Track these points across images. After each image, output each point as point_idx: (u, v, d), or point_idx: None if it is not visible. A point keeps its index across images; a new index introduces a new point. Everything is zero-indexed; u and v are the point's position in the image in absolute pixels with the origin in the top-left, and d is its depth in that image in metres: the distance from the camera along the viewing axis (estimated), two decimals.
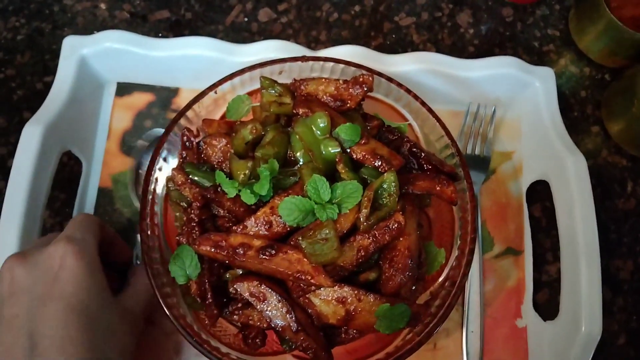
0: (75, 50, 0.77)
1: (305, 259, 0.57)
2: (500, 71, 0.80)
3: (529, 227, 0.79)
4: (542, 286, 0.79)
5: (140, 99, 0.82)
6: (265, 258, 0.57)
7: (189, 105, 0.66)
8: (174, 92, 0.83)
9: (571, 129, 0.85)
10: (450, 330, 0.75)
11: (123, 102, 0.82)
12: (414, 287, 0.63)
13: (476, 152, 0.81)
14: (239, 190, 0.60)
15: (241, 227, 0.60)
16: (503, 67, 0.80)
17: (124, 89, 0.82)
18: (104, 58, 0.78)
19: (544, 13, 0.91)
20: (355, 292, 0.59)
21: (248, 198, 0.59)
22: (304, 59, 0.69)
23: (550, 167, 0.77)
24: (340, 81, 0.67)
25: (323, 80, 0.67)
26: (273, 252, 0.57)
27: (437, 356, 0.74)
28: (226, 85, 0.69)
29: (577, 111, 0.87)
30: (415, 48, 0.87)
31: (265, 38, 0.86)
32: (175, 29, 0.86)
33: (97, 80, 0.81)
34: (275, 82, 0.67)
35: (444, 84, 0.81)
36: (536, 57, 0.89)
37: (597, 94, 0.88)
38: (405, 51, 0.87)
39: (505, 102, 0.84)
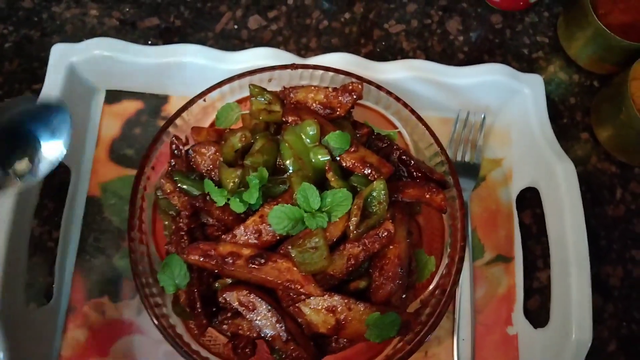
0: (64, 58, 0.76)
1: (295, 268, 0.57)
2: (489, 78, 0.80)
3: (519, 234, 0.79)
4: (533, 293, 0.79)
5: (130, 107, 0.82)
6: (254, 267, 0.57)
7: (177, 113, 0.66)
8: (163, 99, 0.82)
9: (560, 135, 0.85)
10: (441, 338, 0.75)
11: (112, 110, 0.81)
12: (404, 296, 0.63)
13: (466, 159, 0.81)
14: (228, 199, 0.60)
15: (230, 235, 0.60)
16: (492, 74, 0.80)
17: (113, 96, 0.82)
18: (93, 66, 0.78)
19: (533, 20, 0.92)
20: (346, 301, 0.59)
21: (237, 207, 0.59)
22: (293, 66, 0.69)
23: (540, 174, 0.78)
24: (330, 89, 0.67)
25: (312, 88, 0.67)
26: (262, 261, 0.57)
27: None
28: (215, 93, 0.69)
29: (566, 118, 0.87)
30: (405, 55, 0.88)
31: (255, 45, 0.85)
32: (165, 36, 0.86)
33: (86, 88, 0.80)
34: (265, 89, 0.67)
35: (434, 91, 0.81)
36: (525, 64, 0.89)
37: (586, 101, 0.88)
38: (395, 58, 0.87)
39: (495, 110, 0.84)
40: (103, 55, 0.77)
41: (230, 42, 0.86)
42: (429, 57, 0.88)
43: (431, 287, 0.66)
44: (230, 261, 0.57)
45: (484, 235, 0.80)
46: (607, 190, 0.84)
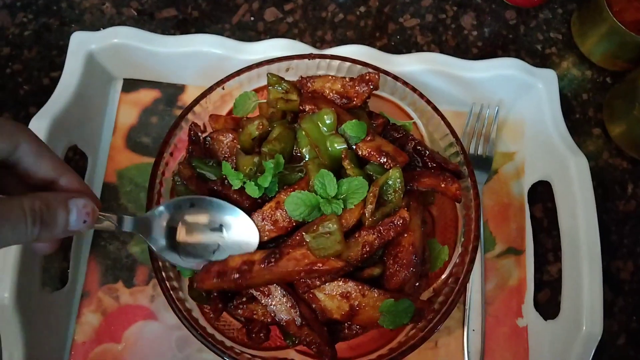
0: (83, 45, 0.77)
1: (309, 252, 0.57)
2: (503, 72, 0.81)
3: (530, 227, 0.80)
4: (543, 286, 0.79)
5: (147, 96, 0.83)
6: (272, 265, 0.57)
7: (196, 101, 0.67)
8: (180, 89, 0.83)
9: (573, 130, 0.86)
10: (451, 329, 0.75)
11: (129, 98, 0.82)
12: (417, 284, 0.64)
13: (479, 152, 0.82)
14: (244, 183, 0.60)
15: None
16: (506, 69, 0.81)
17: (130, 85, 0.83)
18: (111, 54, 0.79)
19: (547, 16, 0.92)
20: (360, 287, 0.60)
21: (253, 191, 0.60)
22: (310, 56, 0.70)
23: (553, 168, 0.78)
24: (347, 79, 0.68)
25: (330, 77, 0.68)
26: (277, 256, 0.57)
27: (439, 354, 0.75)
28: (233, 82, 0.69)
29: (579, 113, 0.88)
30: (419, 49, 0.88)
31: (271, 37, 0.86)
32: (182, 27, 0.87)
33: (104, 76, 0.81)
34: (282, 79, 0.68)
35: (448, 84, 0.82)
36: (539, 60, 0.90)
37: (599, 97, 0.89)
38: (409, 52, 0.88)
39: (508, 103, 0.84)
40: (122, 44, 0.78)
41: (247, 33, 0.87)
42: (443, 51, 0.88)
43: (444, 276, 0.66)
44: (246, 268, 0.57)
45: (496, 227, 0.80)
46: (618, 185, 0.85)
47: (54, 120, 0.71)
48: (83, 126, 0.78)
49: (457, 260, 0.65)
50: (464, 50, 0.89)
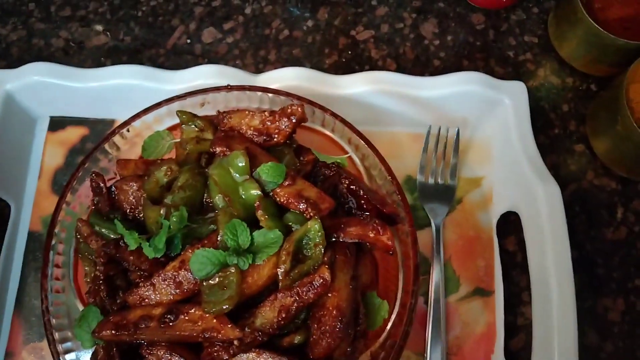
0: None
1: (207, 315, 0.50)
2: (464, 89, 0.71)
3: (499, 263, 0.70)
4: (517, 331, 0.69)
5: (74, 134, 0.76)
6: (167, 326, 0.51)
7: (97, 147, 0.60)
8: (109, 124, 0.77)
9: (551, 148, 0.76)
10: None
11: (56, 138, 0.76)
12: (349, 349, 0.55)
13: (439, 181, 0.73)
14: (140, 244, 0.53)
15: (148, 285, 0.54)
16: (467, 84, 0.71)
17: (57, 123, 0.77)
18: (31, 92, 0.73)
19: (520, 18, 0.82)
20: (277, 359, 0.52)
21: (149, 252, 0.53)
22: (227, 88, 0.62)
23: (521, 197, 0.68)
24: (267, 113, 0.60)
25: (247, 112, 0.60)
26: (173, 317, 0.51)
27: None
28: (144, 120, 0.63)
29: (558, 127, 0.77)
30: (373, 64, 0.79)
31: (210, 60, 0.79)
32: (114, 55, 0.80)
33: (26, 115, 0.75)
34: (195, 115, 0.61)
35: (402, 104, 0.73)
36: (511, 69, 0.79)
37: (582, 107, 0.78)
38: (362, 68, 0.79)
39: (473, 123, 0.75)
40: (40, 81, 0.72)
41: (183, 58, 0.80)
42: (400, 65, 0.79)
43: (383, 336, 0.58)
44: (143, 326, 0.51)
45: (460, 265, 0.71)
46: (605, 209, 0.74)
47: None
48: (4, 171, 0.72)
49: (396, 320, 0.56)
50: (424, 62, 0.79)
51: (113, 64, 0.78)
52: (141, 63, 0.76)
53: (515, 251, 0.72)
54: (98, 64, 0.80)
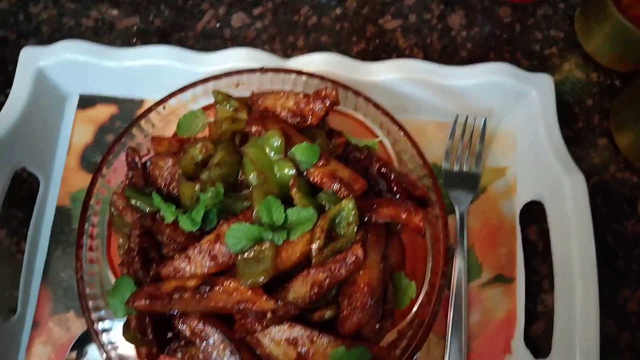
0: (33, 62, 0.72)
1: (242, 287, 0.51)
2: (491, 79, 0.72)
3: (522, 252, 0.71)
4: (537, 318, 0.71)
5: (103, 112, 0.77)
6: (201, 297, 0.52)
7: (133, 123, 0.61)
8: (138, 104, 0.78)
9: (575, 141, 0.77)
10: None
11: (85, 116, 0.77)
12: (378, 326, 0.56)
13: (464, 169, 0.74)
14: (177, 217, 0.54)
15: (183, 257, 0.55)
16: (495, 75, 0.72)
17: (86, 101, 0.78)
18: (63, 70, 0.74)
19: (547, 13, 0.82)
20: (308, 332, 0.53)
21: (186, 225, 0.54)
22: (262, 70, 0.63)
23: (546, 187, 0.69)
24: (301, 95, 0.61)
25: (281, 94, 0.61)
26: (208, 288, 0.52)
27: None
28: (181, 99, 0.63)
29: (582, 121, 0.78)
30: (401, 53, 0.80)
31: (239, 45, 0.80)
32: (144, 37, 0.81)
33: (57, 92, 0.76)
34: (230, 96, 0.62)
35: (430, 93, 0.73)
36: (536, 62, 0.80)
37: (606, 102, 0.79)
38: (390, 57, 0.80)
39: (499, 113, 0.76)
40: (73, 59, 0.73)
41: (212, 41, 0.81)
42: (427, 55, 0.80)
43: (410, 316, 0.59)
44: (177, 297, 0.52)
45: (483, 253, 0.72)
46: (627, 203, 0.75)
47: None
48: (34, 147, 0.73)
49: (424, 300, 0.57)
50: (451, 53, 0.80)
51: (143, 44, 0.79)
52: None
53: (537, 240, 0.73)
54: (127, 44, 0.81)
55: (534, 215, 0.73)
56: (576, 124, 0.78)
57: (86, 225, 0.58)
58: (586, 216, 0.65)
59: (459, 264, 0.69)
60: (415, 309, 0.58)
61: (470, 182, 0.73)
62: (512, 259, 0.72)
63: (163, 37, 0.81)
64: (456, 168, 0.74)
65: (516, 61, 0.80)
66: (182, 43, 0.79)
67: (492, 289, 0.71)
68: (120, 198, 0.58)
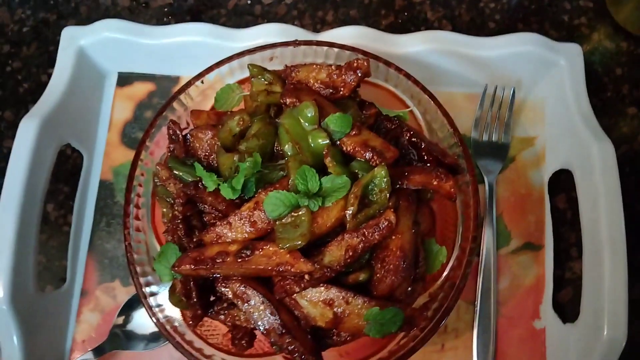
0: (74, 41, 0.75)
1: (281, 250, 0.54)
2: (521, 49, 0.73)
3: (550, 219, 0.73)
4: (565, 284, 0.72)
5: (141, 89, 0.80)
6: (243, 260, 0.54)
7: (173, 97, 0.63)
8: (174, 80, 0.80)
9: (603, 111, 0.77)
10: (460, 331, 0.70)
11: (124, 93, 0.80)
12: (409, 289, 0.59)
13: (493, 138, 0.75)
14: (218, 185, 0.57)
15: (225, 223, 0.57)
16: (524, 45, 0.73)
17: (125, 79, 0.81)
18: (102, 48, 0.77)
19: None
20: (343, 294, 0.56)
21: (227, 193, 0.57)
22: (295, 43, 0.65)
23: (574, 155, 0.70)
24: (333, 67, 0.62)
25: (314, 66, 0.63)
26: (249, 252, 0.54)
27: (445, 357, 0.70)
28: (218, 73, 0.66)
29: (611, 91, 0.78)
30: (429, 26, 0.81)
31: (269, 21, 0.82)
32: (177, 14, 0.84)
33: (97, 71, 0.79)
34: (265, 69, 0.64)
35: (458, 64, 0.75)
36: (565, 33, 0.80)
37: (636, 72, 0.79)
38: (418, 30, 0.81)
39: (528, 84, 0.76)
40: (111, 37, 0.75)
41: (244, 18, 0.83)
42: (455, 27, 0.81)
43: (441, 280, 0.61)
44: (220, 261, 0.55)
45: (511, 221, 0.73)
46: None
47: (43, 120, 0.70)
48: (77, 124, 0.77)
49: (455, 263, 0.59)
50: (479, 25, 0.81)
51: (177, 23, 0.82)
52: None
53: (565, 209, 0.74)
54: (162, 23, 0.84)
55: (562, 183, 0.75)
56: (605, 93, 0.78)
57: (132, 195, 0.61)
58: (615, 183, 0.65)
59: (487, 232, 0.71)
60: (446, 272, 0.60)
61: (499, 151, 0.74)
62: (541, 226, 0.73)
63: (196, 15, 0.83)
64: (485, 138, 0.75)
65: (544, 32, 0.80)
66: (214, 20, 0.81)
67: (520, 256, 0.72)
68: (164, 169, 0.61)
